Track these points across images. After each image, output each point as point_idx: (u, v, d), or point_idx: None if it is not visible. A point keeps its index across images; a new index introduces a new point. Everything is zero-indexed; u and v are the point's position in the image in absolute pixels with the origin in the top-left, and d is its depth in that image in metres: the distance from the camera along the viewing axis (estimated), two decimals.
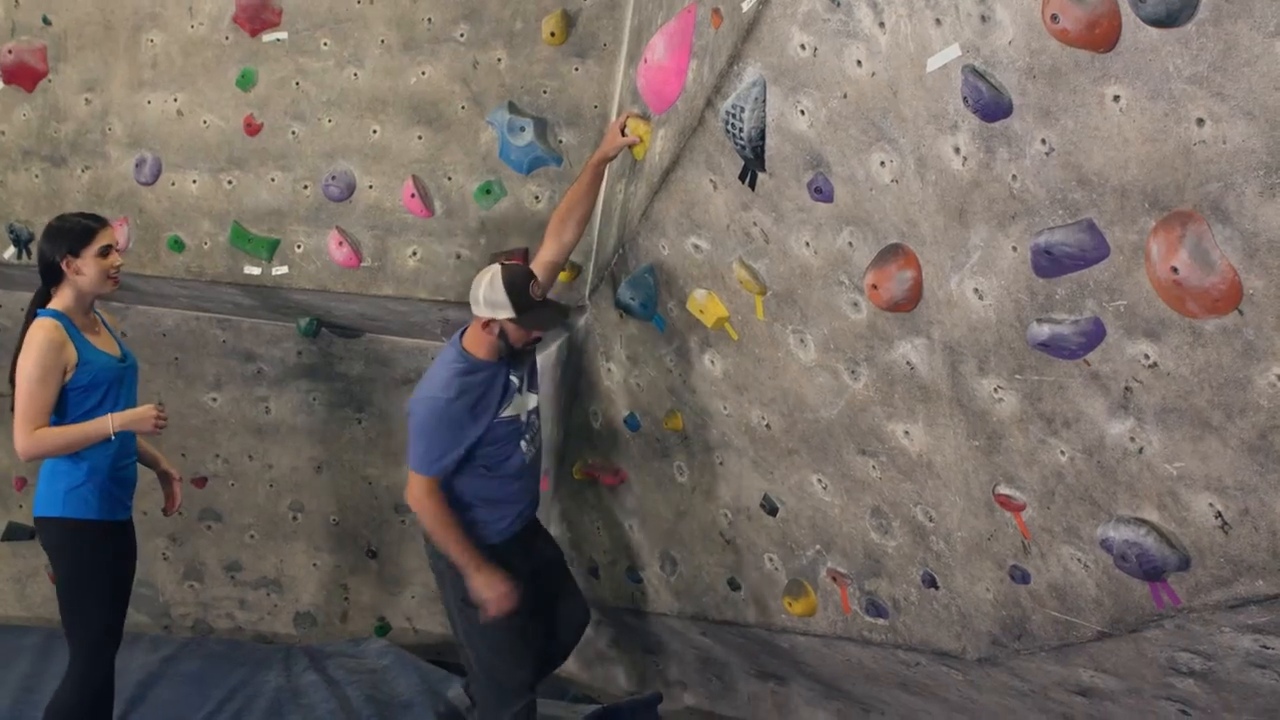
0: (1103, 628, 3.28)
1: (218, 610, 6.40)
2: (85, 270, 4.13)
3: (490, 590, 4.23)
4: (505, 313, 4.11)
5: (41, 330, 4.07)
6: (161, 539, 6.27)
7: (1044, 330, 2.98)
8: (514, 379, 4.30)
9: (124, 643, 4.47)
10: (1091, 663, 3.51)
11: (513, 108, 4.93)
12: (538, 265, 4.39)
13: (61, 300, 4.17)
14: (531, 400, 4.41)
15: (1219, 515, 2.80)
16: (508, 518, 4.44)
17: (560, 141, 4.95)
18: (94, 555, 4.19)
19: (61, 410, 4.11)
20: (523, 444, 4.37)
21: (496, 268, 4.20)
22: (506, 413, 4.28)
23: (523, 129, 4.90)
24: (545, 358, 5.03)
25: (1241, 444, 2.68)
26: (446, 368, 4.24)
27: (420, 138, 5.06)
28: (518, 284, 4.10)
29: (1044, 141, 2.79)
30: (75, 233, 4.15)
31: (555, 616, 4.79)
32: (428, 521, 4.25)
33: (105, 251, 4.16)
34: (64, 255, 4.11)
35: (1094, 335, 2.88)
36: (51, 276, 4.18)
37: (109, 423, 4.09)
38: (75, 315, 4.18)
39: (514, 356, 4.26)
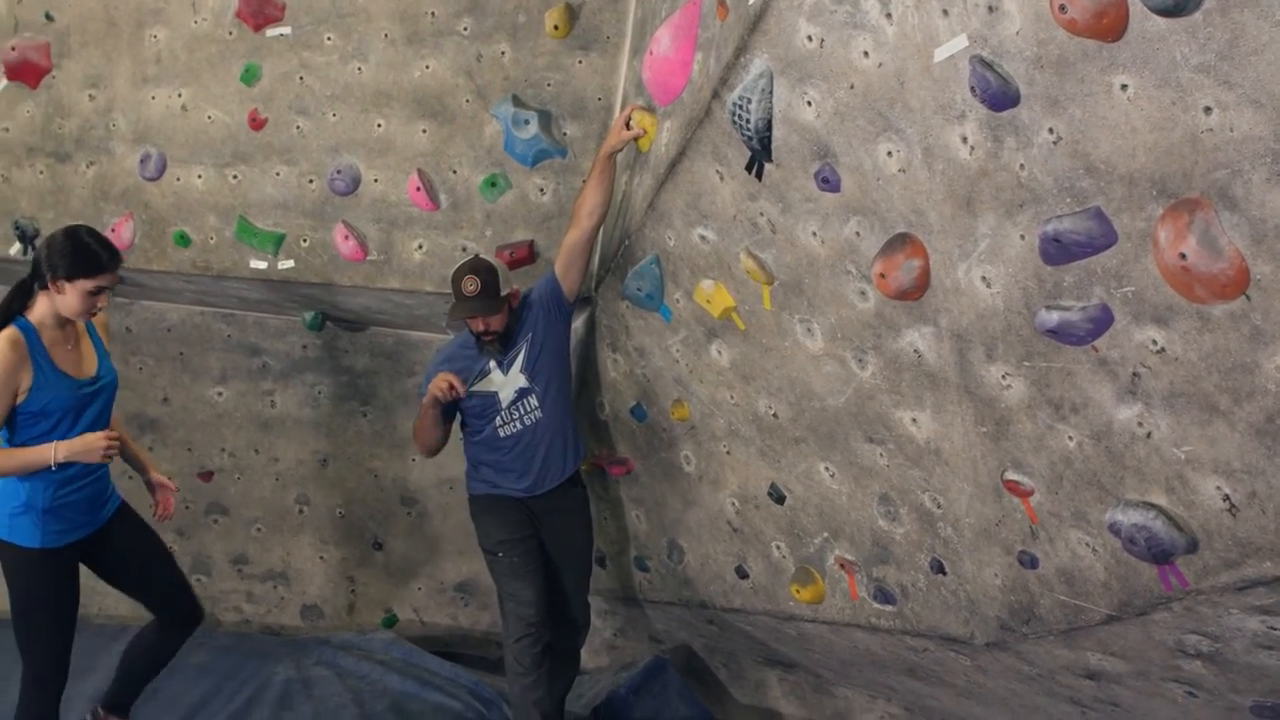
0: (1111, 611, 3.32)
1: (225, 604, 6.42)
2: (68, 297, 3.88)
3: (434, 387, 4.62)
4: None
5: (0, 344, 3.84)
6: (168, 533, 6.26)
7: (1052, 317, 3.01)
8: (492, 362, 4.71)
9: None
10: (1099, 646, 3.54)
11: (517, 101, 4.95)
12: (561, 247, 4.72)
13: (40, 309, 3.94)
14: (518, 381, 4.71)
15: (1227, 498, 2.83)
16: (509, 481, 4.83)
17: (565, 134, 4.97)
18: (35, 585, 4.00)
19: (11, 428, 3.90)
20: (498, 419, 4.74)
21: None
22: (477, 388, 4.72)
23: (527, 122, 4.92)
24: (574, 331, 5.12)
25: (1249, 428, 2.71)
26: (453, 339, 4.97)
27: (425, 131, 5.07)
28: (454, 279, 4.57)
29: (1051, 130, 2.81)
30: (82, 260, 3.88)
31: (556, 615, 4.97)
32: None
33: (97, 291, 3.91)
34: (58, 276, 3.86)
35: (1102, 321, 2.91)
36: (39, 279, 3.94)
37: (50, 453, 3.83)
38: (48, 328, 3.94)
39: (480, 343, 4.67)
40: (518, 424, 4.74)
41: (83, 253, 3.88)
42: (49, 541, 3.98)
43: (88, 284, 3.87)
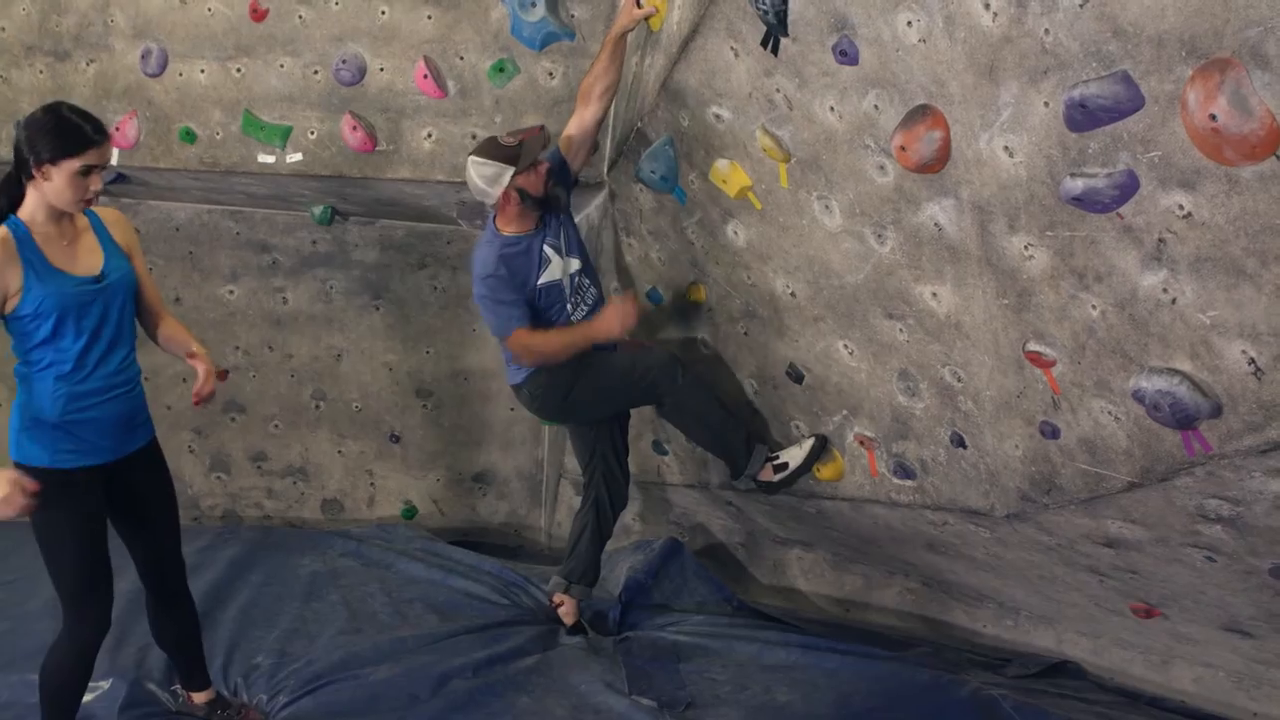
0: (1133, 478, 3.34)
1: (246, 500, 6.49)
2: (56, 183, 3.39)
3: (610, 319, 4.42)
4: (506, 174, 4.29)
5: None
6: (186, 432, 6.34)
7: (1077, 184, 2.99)
8: (548, 247, 4.48)
9: None
10: (1120, 514, 3.58)
11: None
12: (568, 127, 4.53)
13: (30, 204, 3.46)
14: (573, 264, 4.56)
15: (1252, 362, 2.83)
16: None
17: (572, 16, 4.90)
18: (52, 505, 3.50)
19: (18, 337, 3.49)
20: (568, 306, 4.56)
21: (468, 158, 4.37)
22: (544, 279, 4.49)
23: (534, 4, 4.84)
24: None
25: (1276, 290, 2.70)
26: (486, 248, 4.49)
27: (430, 17, 4.99)
28: (491, 148, 4.32)
29: None
30: (64, 137, 3.36)
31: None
32: (549, 355, 4.50)
33: (86, 171, 3.39)
34: (42, 160, 3.36)
35: (1128, 188, 2.89)
36: (23, 170, 3.43)
37: None
38: (41, 224, 3.47)
39: (547, 207, 4.45)
40: (585, 305, 4.59)
41: (65, 128, 3.37)
42: (58, 462, 3.53)
43: (74, 164, 3.36)
